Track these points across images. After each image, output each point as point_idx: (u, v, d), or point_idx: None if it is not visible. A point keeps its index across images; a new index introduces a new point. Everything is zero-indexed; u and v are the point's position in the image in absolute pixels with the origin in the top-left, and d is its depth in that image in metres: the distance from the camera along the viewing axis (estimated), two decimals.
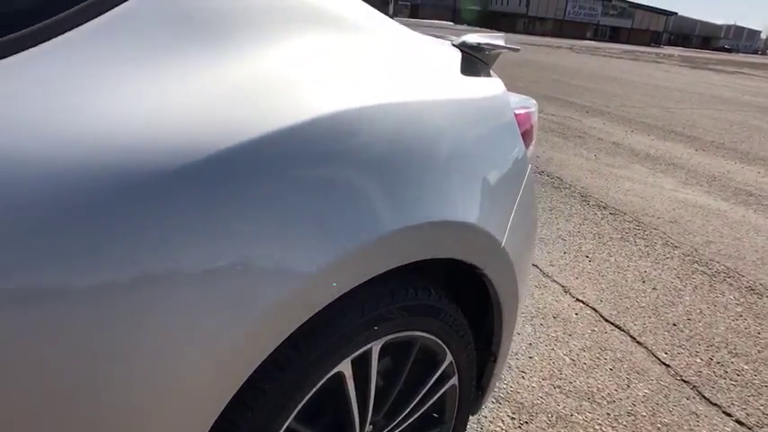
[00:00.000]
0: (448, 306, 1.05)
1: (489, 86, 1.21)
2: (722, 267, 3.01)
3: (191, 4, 0.74)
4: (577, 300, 2.48)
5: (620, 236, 3.33)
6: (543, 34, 65.28)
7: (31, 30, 0.61)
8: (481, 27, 62.05)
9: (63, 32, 0.62)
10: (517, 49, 1.43)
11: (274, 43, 0.83)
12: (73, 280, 0.55)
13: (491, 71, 1.42)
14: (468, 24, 65.99)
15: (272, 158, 0.71)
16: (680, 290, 2.69)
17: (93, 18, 0.65)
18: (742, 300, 2.65)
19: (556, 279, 2.66)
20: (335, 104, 0.81)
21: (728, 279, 2.87)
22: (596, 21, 73.44)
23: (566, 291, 2.55)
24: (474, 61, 1.34)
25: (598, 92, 10.82)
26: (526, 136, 1.28)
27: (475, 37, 1.39)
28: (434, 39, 1.35)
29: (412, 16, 70.33)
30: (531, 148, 1.34)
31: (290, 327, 0.75)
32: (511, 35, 47.36)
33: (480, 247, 1.04)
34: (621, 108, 8.84)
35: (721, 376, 2.03)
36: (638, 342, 2.18)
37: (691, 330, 2.32)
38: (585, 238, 3.22)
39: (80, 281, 0.56)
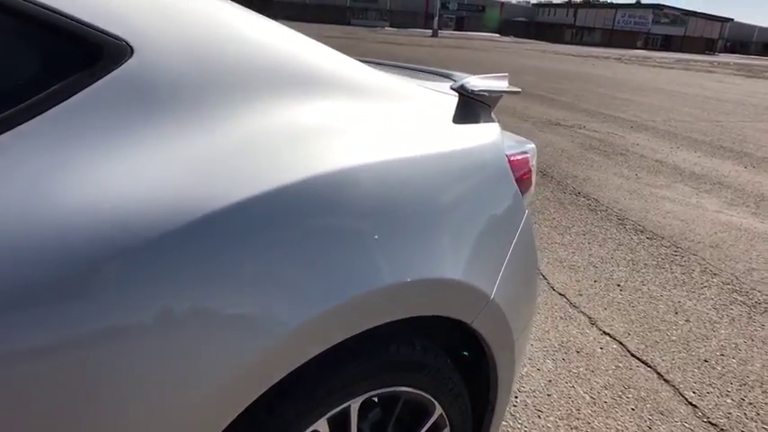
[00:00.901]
0: (435, 360, 1.05)
1: (482, 134, 1.21)
2: (764, 297, 2.87)
3: (159, 81, 0.79)
4: (604, 332, 2.42)
5: (655, 262, 3.22)
6: (592, 44, 64.07)
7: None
8: (528, 39, 61.43)
9: (26, 121, 0.67)
10: (518, 92, 1.43)
11: (255, 109, 0.86)
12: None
13: (492, 114, 1.42)
14: (515, 36, 65.47)
15: (250, 222, 0.75)
16: (715, 322, 2.58)
17: (57, 104, 0.69)
18: None
19: (583, 310, 2.60)
20: (314, 167, 0.84)
21: None
22: (647, 29, 71.59)
23: (592, 323, 2.49)
24: (472, 105, 1.35)
25: (645, 105, 10.52)
26: (523, 181, 1.27)
27: (475, 81, 1.39)
28: (428, 85, 1.36)
29: (457, 29, 70.41)
30: (530, 192, 1.33)
31: (262, 387, 0.78)
32: (558, 46, 46.68)
33: (466, 301, 1.04)
34: (668, 122, 8.58)
35: (752, 419, 1.93)
36: (664, 380, 2.11)
37: (723, 367, 2.22)
38: (619, 265, 3.14)
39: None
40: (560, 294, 2.73)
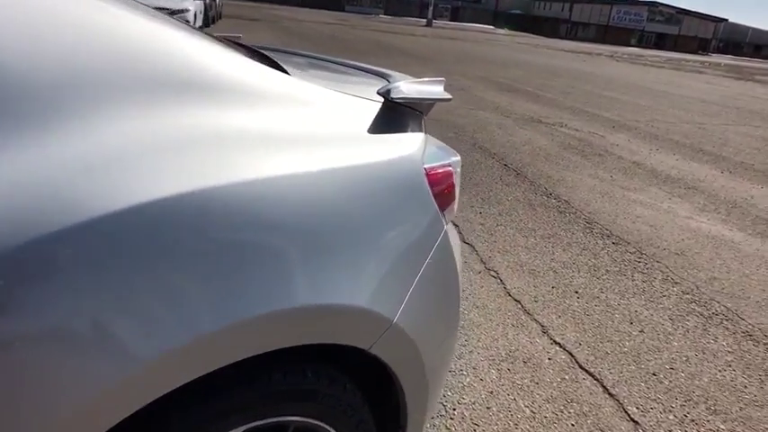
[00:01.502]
0: (330, 387, 0.99)
1: (398, 145, 1.15)
2: (721, 308, 2.85)
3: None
4: (554, 342, 2.38)
5: (617, 269, 3.19)
6: (586, 40, 63.97)
7: None
8: (523, 32, 61.25)
9: None
10: (449, 99, 1.37)
11: (125, 115, 0.79)
12: None
13: (422, 121, 1.36)
14: (510, 29, 65.23)
15: (130, 234, 0.69)
16: (669, 333, 2.55)
17: None
18: (735, 347, 2.50)
19: (536, 317, 2.56)
20: (185, 181, 0.77)
21: (726, 322, 2.72)
22: (642, 27, 71.61)
23: (544, 331, 2.46)
24: (399, 112, 1.29)
25: (630, 105, 10.51)
26: (443, 196, 1.21)
27: (406, 86, 1.33)
28: (358, 88, 1.30)
29: (453, 19, 69.98)
30: (452, 207, 1.28)
31: (119, 416, 0.72)
32: (553, 41, 46.58)
33: (360, 327, 0.98)
34: (651, 123, 8.56)
35: None
36: (609, 393, 2.08)
37: (671, 381, 2.19)
38: (580, 271, 3.10)
39: None
40: (515, 300, 2.69)
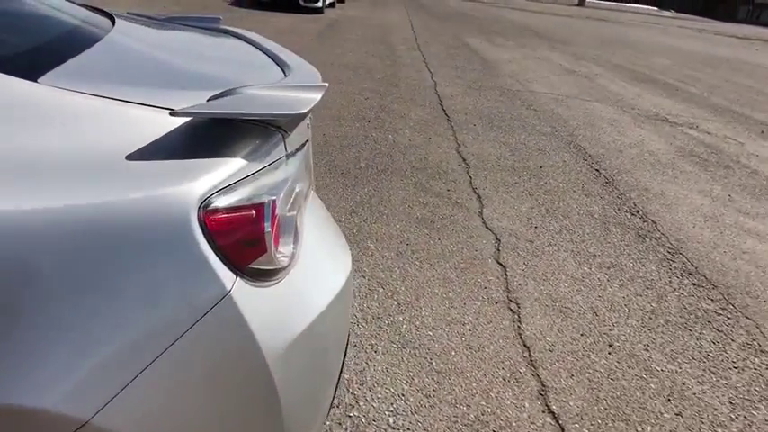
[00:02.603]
0: None
1: (165, 178, 0.82)
2: None
3: None
4: (548, 410, 1.90)
5: (683, 320, 2.54)
6: None
7: None
8: (693, 14, 55.05)
9: None
10: (302, 114, 0.99)
11: None
12: None
13: (283, 143, 1.02)
14: (676, 11, 58.94)
15: None
16: (721, 426, 1.94)
17: None
18: None
19: (540, 372, 2.08)
20: None
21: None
22: None
23: (542, 393, 1.97)
24: (217, 130, 0.96)
25: None
26: (240, 247, 0.87)
27: (256, 92, 1.00)
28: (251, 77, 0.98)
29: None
30: (267, 258, 0.92)
31: None
32: (726, 25, 41.23)
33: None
34: None
35: None
36: None
37: None
38: (629, 317, 2.51)
39: None
40: (524, 346, 2.21)
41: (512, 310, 2.45)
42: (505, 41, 12.66)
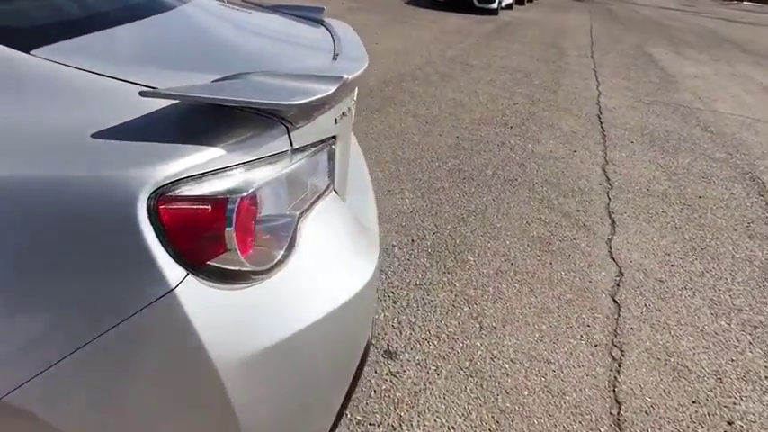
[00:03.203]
0: None
1: (122, 160, 0.78)
2: None
3: None
4: None
5: None
6: None
7: None
8: None
9: None
10: (294, 106, 0.89)
11: None
12: None
13: (285, 136, 0.95)
14: None
15: None
16: None
17: None
18: None
19: None
20: None
21: None
22: None
23: None
24: (203, 117, 0.90)
25: None
26: (197, 241, 0.81)
27: (261, 79, 0.94)
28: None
29: None
30: (233, 256, 0.84)
31: None
32: None
33: None
34: None
35: None
36: None
37: None
38: (760, 399, 2.03)
39: None
40: (615, 401, 1.88)
41: (613, 356, 2.11)
42: (697, 54, 11.29)
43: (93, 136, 0.80)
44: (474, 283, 2.48)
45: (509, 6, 15.86)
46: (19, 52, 0.90)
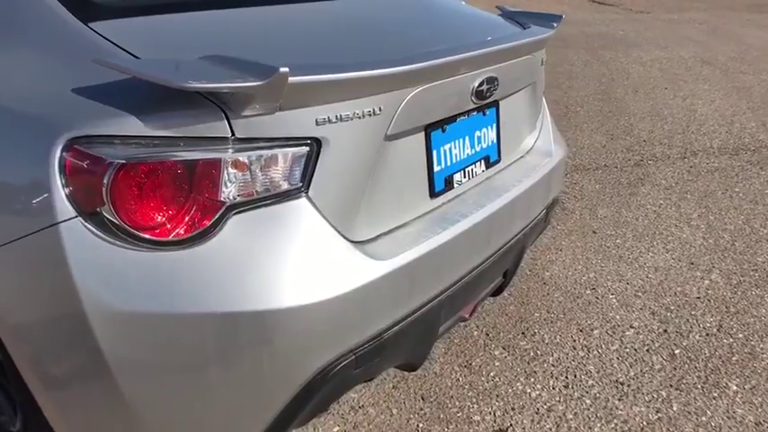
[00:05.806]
0: None
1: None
2: None
3: None
4: None
5: None
6: None
7: None
8: None
9: None
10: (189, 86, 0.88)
11: None
12: None
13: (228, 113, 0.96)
14: None
15: None
16: None
17: None
18: None
19: None
20: None
21: None
22: None
23: None
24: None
25: None
26: (88, 191, 0.92)
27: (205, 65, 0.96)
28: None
29: None
30: (108, 212, 0.91)
31: None
32: None
33: None
34: None
35: None
36: None
37: None
38: None
39: None
40: None
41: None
42: None
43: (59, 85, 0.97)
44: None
45: None
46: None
